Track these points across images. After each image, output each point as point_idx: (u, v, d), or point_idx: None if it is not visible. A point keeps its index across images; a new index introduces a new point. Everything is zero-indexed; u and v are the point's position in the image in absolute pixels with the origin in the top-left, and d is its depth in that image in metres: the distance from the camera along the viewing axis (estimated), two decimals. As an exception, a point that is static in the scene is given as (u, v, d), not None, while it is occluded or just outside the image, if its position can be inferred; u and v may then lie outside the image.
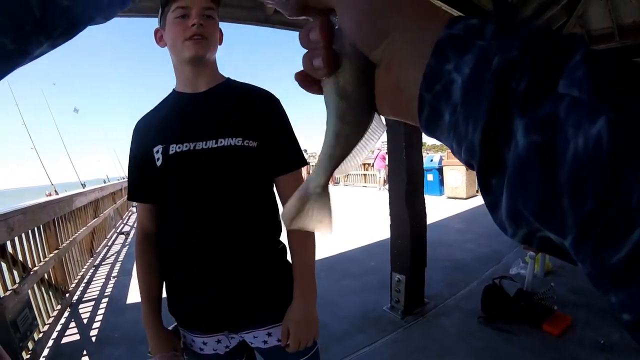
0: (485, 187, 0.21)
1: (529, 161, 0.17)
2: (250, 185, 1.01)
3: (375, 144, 0.32)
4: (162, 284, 1.08)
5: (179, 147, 0.96)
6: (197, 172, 0.96)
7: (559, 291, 2.98)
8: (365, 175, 13.98)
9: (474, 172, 0.22)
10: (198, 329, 1.05)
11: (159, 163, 0.98)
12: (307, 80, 0.31)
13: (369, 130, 0.32)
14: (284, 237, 1.08)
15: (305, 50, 0.29)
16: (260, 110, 1.02)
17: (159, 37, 1.04)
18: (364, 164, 13.93)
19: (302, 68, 0.30)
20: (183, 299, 1.04)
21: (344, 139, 0.31)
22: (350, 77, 0.29)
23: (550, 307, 2.67)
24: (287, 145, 1.05)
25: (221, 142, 0.95)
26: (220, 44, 1.05)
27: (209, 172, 0.96)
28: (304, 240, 1.05)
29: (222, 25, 1.07)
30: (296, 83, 0.31)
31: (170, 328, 1.09)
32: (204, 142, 0.96)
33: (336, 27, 0.28)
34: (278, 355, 1.06)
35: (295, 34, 0.32)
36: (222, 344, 1.06)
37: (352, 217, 7.37)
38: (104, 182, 9.86)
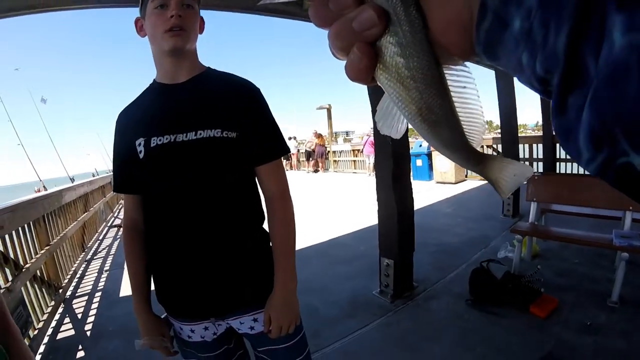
0: (560, 106, 0.18)
1: (629, 63, 0.14)
2: (230, 175, 1.02)
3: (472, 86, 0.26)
4: (150, 272, 1.11)
5: (160, 140, 0.98)
6: (179, 164, 0.98)
7: (546, 274, 3.01)
8: (354, 161, 13.90)
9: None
10: (185, 317, 1.07)
11: (141, 155, 1.00)
12: (367, 54, 0.25)
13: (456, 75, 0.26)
14: (266, 224, 1.10)
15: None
16: (239, 100, 1.03)
17: (140, 27, 1.04)
18: (353, 150, 14.02)
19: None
20: (169, 287, 1.06)
21: (441, 108, 0.26)
22: (406, 23, 0.23)
23: (537, 290, 2.69)
24: (266, 135, 1.06)
25: (200, 134, 0.97)
26: (201, 32, 1.05)
27: (189, 163, 0.97)
28: (285, 226, 1.07)
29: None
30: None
31: (162, 317, 1.12)
32: (184, 134, 0.97)
33: None
34: (265, 342, 1.08)
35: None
36: (210, 331, 1.08)
37: (342, 203, 7.43)
38: (93, 176, 9.74)
